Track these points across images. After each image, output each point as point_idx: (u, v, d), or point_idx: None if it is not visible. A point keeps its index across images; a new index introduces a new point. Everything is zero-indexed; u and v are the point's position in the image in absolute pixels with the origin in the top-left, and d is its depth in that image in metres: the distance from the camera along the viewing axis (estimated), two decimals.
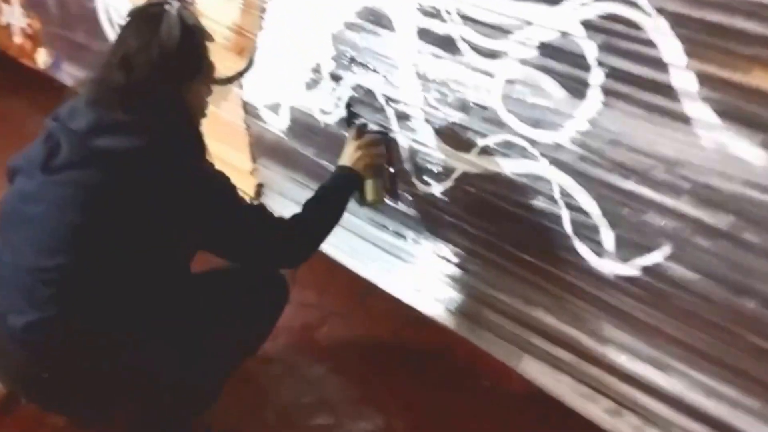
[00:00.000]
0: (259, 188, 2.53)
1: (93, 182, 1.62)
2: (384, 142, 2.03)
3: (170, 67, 1.69)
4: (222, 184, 1.78)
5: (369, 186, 2.03)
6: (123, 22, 1.77)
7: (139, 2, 1.83)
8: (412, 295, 2.14)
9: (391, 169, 2.07)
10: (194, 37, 1.75)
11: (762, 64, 1.30)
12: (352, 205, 2.05)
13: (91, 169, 1.63)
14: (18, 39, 3.81)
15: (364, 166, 2.00)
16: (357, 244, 2.27)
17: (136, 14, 1.76)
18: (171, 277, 1.72)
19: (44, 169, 1.66)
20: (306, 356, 2.36)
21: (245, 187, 2.46)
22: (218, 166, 1.81)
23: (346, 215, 2.01)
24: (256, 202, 1.89)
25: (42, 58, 3.66)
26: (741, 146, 1.37)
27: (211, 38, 1.80)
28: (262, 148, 2.48)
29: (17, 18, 3.75)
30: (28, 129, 3.80)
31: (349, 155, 2.01)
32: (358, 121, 2.09)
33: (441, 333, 2.11)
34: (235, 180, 1.84)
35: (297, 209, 1.95)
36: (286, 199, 2.43)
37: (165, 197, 1.65)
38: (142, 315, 1.65)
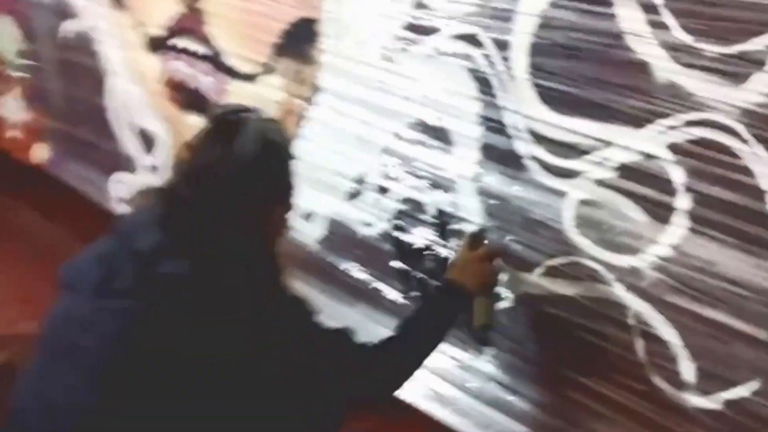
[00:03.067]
0: None
1: (150, 316, 1.41)
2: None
3: (247, 187, 1.47)
4: (299, 310, 1.56)
5: (481, 306, 1.77)
6: (201, 128, 1.55)
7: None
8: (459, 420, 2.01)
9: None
10: (275, 154, 1.52)
11: None
12: None
13: (151, 300, 1.42)
14: (12, 133, 3.71)
15: (478, 284, 1.75)
16: None
17: (213, 122, 1.55)
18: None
19: (99, 293, 1.44)
20: None
21: None
22: None
23: None
24: (336, 326, 1.61)
25: (40, 153, 3.55)
26: None
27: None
28: (291, 257, 2.37)
29: (13, 111, 3.66)
30: (17, 224, 3.73)
31: (462, 268, 1.76)
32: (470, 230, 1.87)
33: None
34: None
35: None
36: None
37: (235, 334, 1.42)
38: None
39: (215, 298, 1.42)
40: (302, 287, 2.36)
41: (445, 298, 1.76)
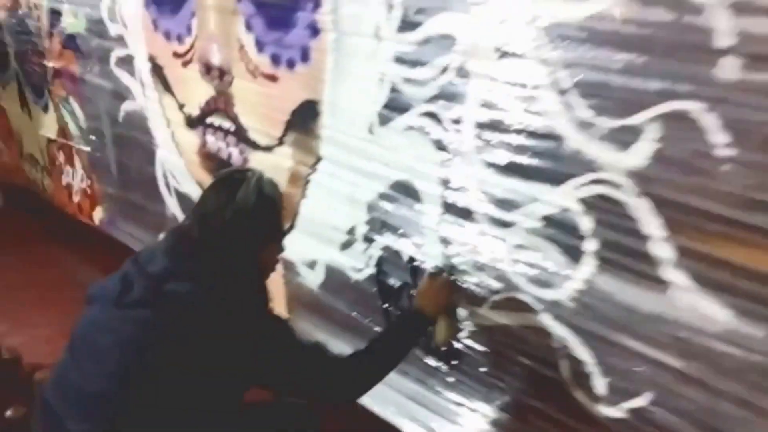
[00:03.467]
0: None
1: (157, 323, 1.79)
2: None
3: (243, 229, 1.87)
4: (281, 328, 1.95)
5: (442, 326, 2.13)
6: (209, 183, 1.99)
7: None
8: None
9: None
10: (268, 204, 1.93)
11: (727, 238, 1.60)
12: None
13: (157, 311, 1.80)
14: (77, 198, 4.22)
15: (438, 307, 2.11)
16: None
17: (220, 178, 1.99)
18: (218, 410, 1.85)
19: (117, 304, 1.84)
20: None
21: None
22: None
23: None
24: (312, 341, 1.99)
25: (98, 215, 4.04)
26: (709, 306, 1.65)
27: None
28: (297, 300, 2.78)
29: (78, 179, 4.18)
30: (79, 277, 4.18)
31: (424, 296, 2.13)
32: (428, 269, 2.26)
33: None
34: None
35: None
36: None
37: (225, 340, 1.81)
38: None
39: (210, 312, 1.81)
40: (306, 326, 2.76)
41: (410, 320, 2.13)
